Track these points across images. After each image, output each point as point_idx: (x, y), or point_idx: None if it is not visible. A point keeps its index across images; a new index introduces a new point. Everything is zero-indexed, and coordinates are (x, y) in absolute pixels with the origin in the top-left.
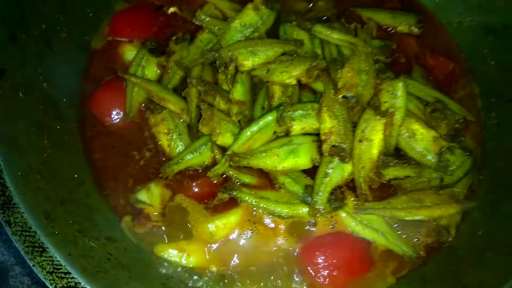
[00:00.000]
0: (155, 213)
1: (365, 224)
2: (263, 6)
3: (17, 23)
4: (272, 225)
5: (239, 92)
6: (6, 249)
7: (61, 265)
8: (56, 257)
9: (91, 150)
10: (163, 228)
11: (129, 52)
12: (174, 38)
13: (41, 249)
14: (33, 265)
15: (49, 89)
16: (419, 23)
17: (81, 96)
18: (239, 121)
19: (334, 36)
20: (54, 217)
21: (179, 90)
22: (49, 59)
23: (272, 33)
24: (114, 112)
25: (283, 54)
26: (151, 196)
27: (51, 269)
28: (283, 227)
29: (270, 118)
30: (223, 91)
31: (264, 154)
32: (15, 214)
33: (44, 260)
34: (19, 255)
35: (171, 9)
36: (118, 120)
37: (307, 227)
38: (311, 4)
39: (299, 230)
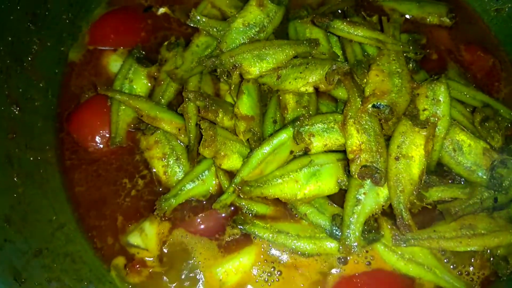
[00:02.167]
0: (152, 258)
1: (407, 258)
2: (269, 1)
3: None
4: (295, 265)
5: (245, 105)
6: None
7: None
8: None
9: (72, 183)
10: (162, 275)
11: (113, 63)
12: (166, 43)
13: None
14: None
15: (19, 114)
16: (451, 12)
17: (59, 119)
18: (247, 141)
19: (358, 33)
20: (26, 277)
21: (175, 105)
22: (19, 77)
23: (281, 33)
24: (98, 136)
25: (296, 57)
26: (145, 238)
27: None
28: (309, 266)
29: (285, 135)
30: (227, 105)
31: (280, 180)
32: None
33: None
34: None
35: (161, 10)
36: (103, 145)
37: (338, 265)
38: None
39: (329, 269)
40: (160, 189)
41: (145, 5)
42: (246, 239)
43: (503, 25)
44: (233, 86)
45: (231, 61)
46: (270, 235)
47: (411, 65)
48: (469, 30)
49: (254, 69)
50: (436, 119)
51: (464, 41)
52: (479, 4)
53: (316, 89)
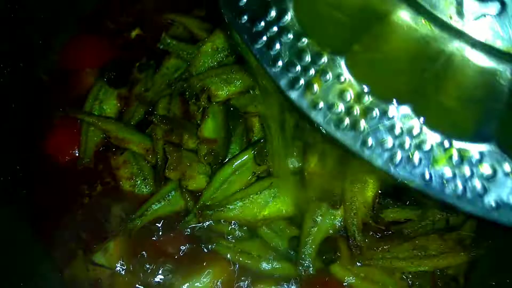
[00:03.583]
0: (116, 277)
1: (363, 277)
2: None
3: None
4: (257, 285)
5: (209, 128)
6: None
7: None
8: None
9: (39, 203)
10: None
11: (85, 84)
12: (137, 64)
13: None
14: None
15: None
16: None
17: (29, 140)
18: (209, 164)
19: None
20: None
21: (145, 125)
22: None
23: None
24: (68, 156)
25: None
26: (110, 258)
27: None
28: (272, 285)
29: (246, 157)
30: (193, 127)
31: (240, 203)
32: None
33: None
34: None
35: (134, 32)
36: (72, 165)
37: (296, 285)
38: None
39: None
40: (127, 208)
41: (111, 27)
42: (210, 257)
43: None
44: (202, 108)
45: (200, 84)
46: (234, 254)
47: None
48: None
49: (222, 92)
50: None
51: None
52: None
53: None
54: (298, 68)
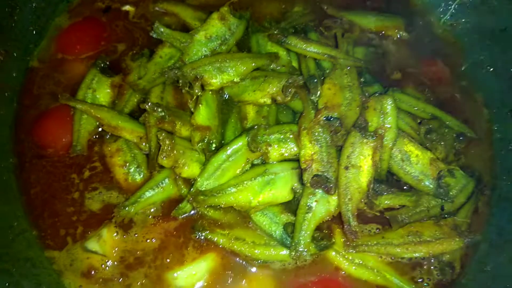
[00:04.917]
0: (109, 263)
1: (358, 263)
2: (231, 15)
3: None
4: (251, 272)
5: (202, 115)
6: None
7: None
8: None
9: (32, 190)
10: (119, 281)
11: (78, 72)
12: (130, 53)
13: None
14: None
15: None
16: (408, 26)
17: (23, 127)
18: (203, 150)
19: (311, 49)
20: None
21: (137, 111)
22: None
23: (244, 45)
24: (61, 144)
25: (257, 69)
26: (103, 244)
27: None
28: (264, 273)
29: (240, 143)
30: (186, 115)
31: (234, 190)
32: None
33: None
34: None
35: (126, 7)
36: (65, 153)
37: (291, 271)
38: (286, 11)
39: (282, 276)
40: (120, 196)
41: (103, 6)
42: (205, 245)
43: (458, 39)
44: (195, 97)
45: (193, 72)
46: (228, 242)
47: (363, 78)
48: (427, 43)
49: (216, 81)
50: (384, 130)
51: (421, 53)
52: (435, 18)
53: (275, 100)
54: None
